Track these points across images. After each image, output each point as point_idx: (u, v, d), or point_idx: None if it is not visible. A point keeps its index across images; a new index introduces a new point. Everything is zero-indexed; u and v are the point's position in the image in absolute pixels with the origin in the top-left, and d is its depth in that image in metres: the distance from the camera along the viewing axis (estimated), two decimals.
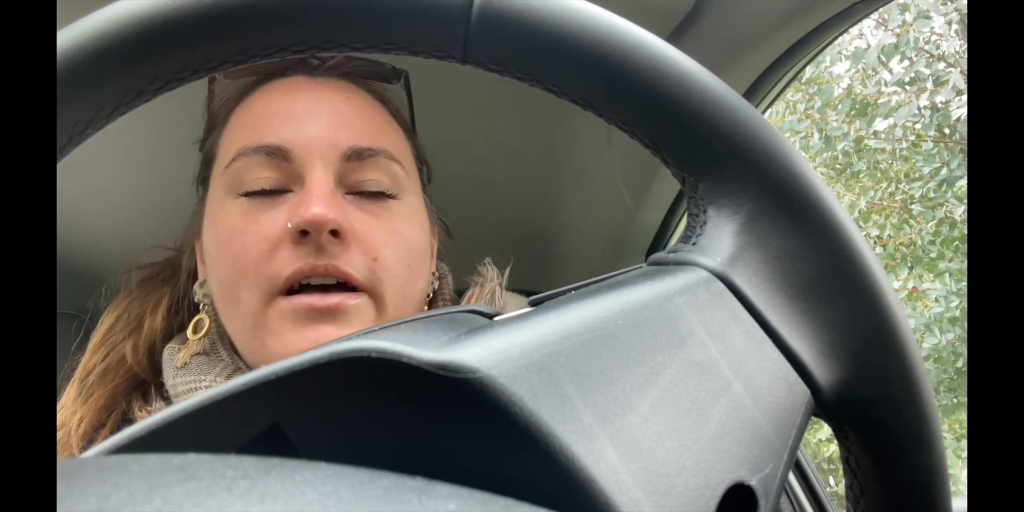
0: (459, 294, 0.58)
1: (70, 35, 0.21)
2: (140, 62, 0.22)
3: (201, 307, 0.52)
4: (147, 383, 0.53)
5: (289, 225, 0.43)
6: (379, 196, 0.48)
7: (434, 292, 0.56)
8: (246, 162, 0.46)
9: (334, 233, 0.44)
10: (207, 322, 0.51)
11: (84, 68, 0.21)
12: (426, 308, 0.54)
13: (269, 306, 0.45)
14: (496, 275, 0.56)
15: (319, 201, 0.43)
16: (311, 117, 0.47)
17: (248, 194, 0.47)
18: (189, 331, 0.52)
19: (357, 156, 0.47)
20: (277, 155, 0.46)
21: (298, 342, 0.43)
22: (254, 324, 0.45)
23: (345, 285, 0.45)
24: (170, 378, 0.51)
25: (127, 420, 0.51)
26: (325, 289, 0.45)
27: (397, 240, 0.48)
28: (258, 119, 0.48)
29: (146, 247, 0.61)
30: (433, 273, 0.56)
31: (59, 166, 0.21)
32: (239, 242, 0.45)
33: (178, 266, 0.58)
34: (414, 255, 0.49)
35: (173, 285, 0.57)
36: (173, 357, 0.51)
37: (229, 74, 0.52)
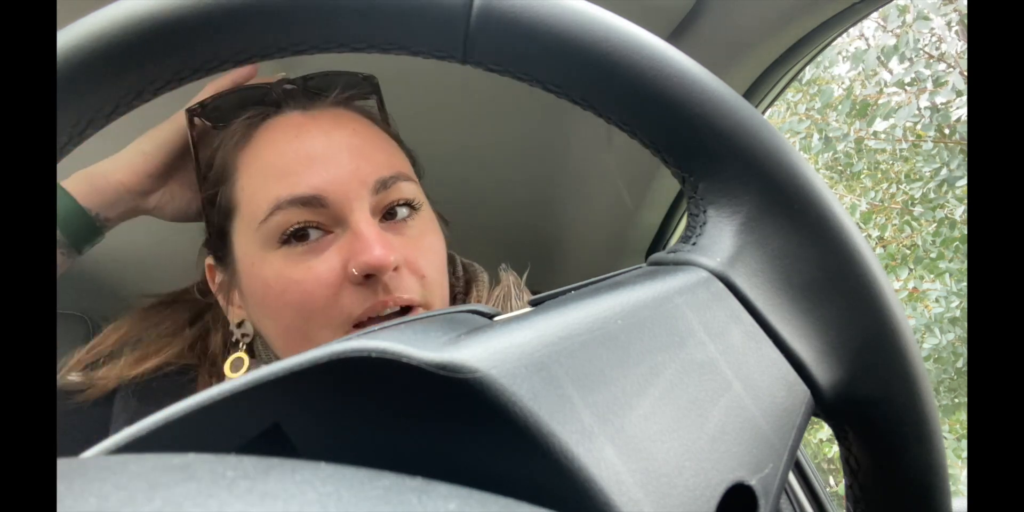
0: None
1: (70, 35, 0.21)
2: (140, 62, 0.22)
3: (240, 346, 0.55)
4: None
5: (355, 271, 0.46)
6: (403, 215, 0.52)
7: (467, 282, 0.61)
8: (284, 215, 0.48)
9: (394, 269, 0.48)
10: (246, 360, 0.54)
11: (84, 68, 0.21)
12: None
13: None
14: (514, 280, 0.60)
15: (377, 245, 0.46)
16: (331, 158, 0.49)
17: (290, 243, 0.49)
18: (227, 369, 0.54)
19: (383, 186, 0.50)
20: (313, 204, 0.48)
21: None
22: None
23: (406, 308, 0.49)
24: None
25: None
26: (391, 317, 0.48)
27: (430, 252, 0.52)
28: (277, 169, 0.50)
29: (146, 247, 0.61)
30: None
31: (59, 166, 0.21)
32: (299, 290, 0.48)
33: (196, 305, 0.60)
34: (441, 259, 0.54)
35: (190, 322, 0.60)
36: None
37: (210, 118, 0.54)
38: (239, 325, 0.55)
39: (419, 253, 0.51)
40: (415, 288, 0.49)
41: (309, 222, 0.48)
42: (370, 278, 0.47)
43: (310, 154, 0.49)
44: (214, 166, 0.54)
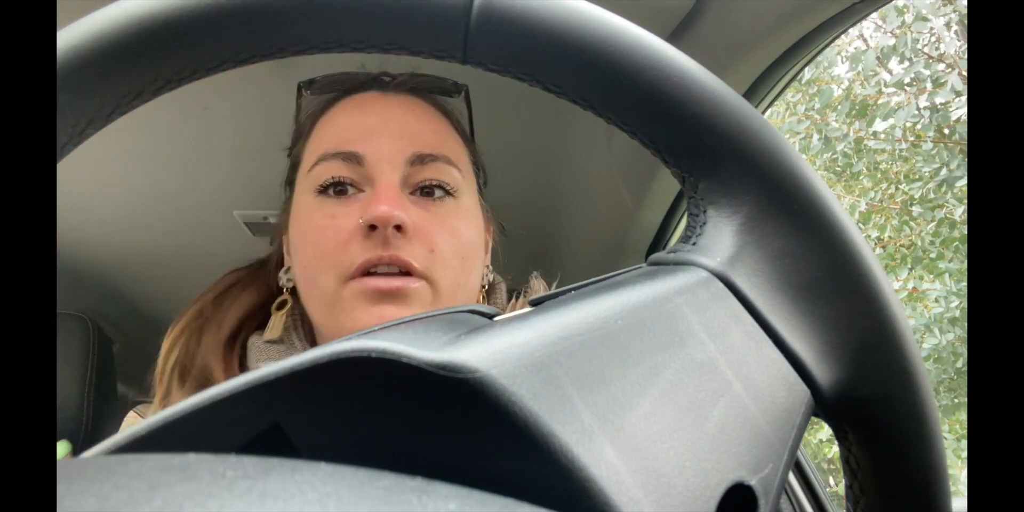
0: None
1: (70, 35, 0.21)
2: (140, 62, 0.22)
3: (285, 291, 0.60)
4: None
5: (360, 221, 0.51)
6: (438, 195, 0.55)
7: (489, 284, 0.63)
8: (326, 166, 0.54)
9: (398, 228, 0.51)
10: (289, 301, 0.60)
11: (84, 68, 0.21)
12: (482, 299, 0.62)
13: (343, 287, 0.52)
14: (543, 287, 0.64)
15: (386, 200, 0.51)
16: (382, 129, 0.55)
17: (326, 193, 0.54)
18: (273, 308, 0.60)
19: (420, 160, 0.54)
20: (352, 160, 0.54)
21: (366, 319, 0.51)
22: (330, 303, 0.53)
23: (406, 273, 0.52)
24: (253, 363, 0.58)
25: None
26: (389, 276, 0.52)
27: (452, 234, 0.54)
28: (336, 131, 0.56)
29: (146, 247, 0.62)
30: (487, 266, 0.63)
31: (59, 166, 0.21)
32: (319, 234, 0.53)
33: (264, 266, 0.65)
34: (467, 249, 0.56)
35: (256, 288, 0.64)
36: (258, 339, 0.59)
37: (314, 91, 0.61)
38: (286, 270, 0.61)
39: (437, 228, 0.54)
40: (419, 256, 0.52)
41: (344, 177, 0.54)
42: (374, 231, 0.51)
43: (365, 123, 0.56)
44: (299, 127, 0.62)
